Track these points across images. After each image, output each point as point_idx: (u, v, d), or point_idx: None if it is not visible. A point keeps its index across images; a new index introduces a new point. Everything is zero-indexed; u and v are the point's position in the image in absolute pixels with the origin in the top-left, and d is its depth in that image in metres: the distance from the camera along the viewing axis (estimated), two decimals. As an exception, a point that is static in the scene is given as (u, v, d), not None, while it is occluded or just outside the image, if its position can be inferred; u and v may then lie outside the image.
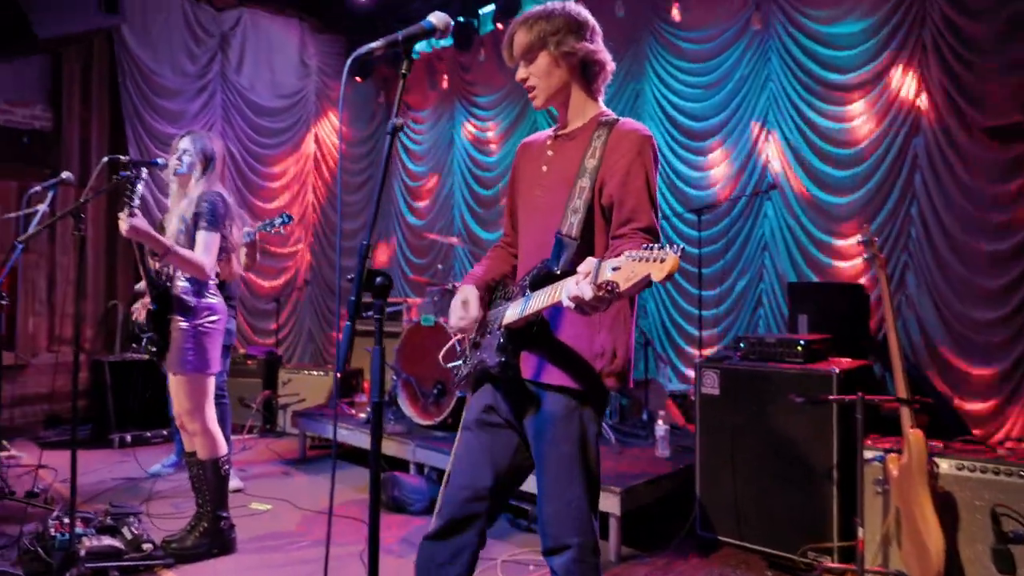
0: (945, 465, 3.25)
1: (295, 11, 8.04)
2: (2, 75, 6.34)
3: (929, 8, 4.87)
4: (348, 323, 1.79)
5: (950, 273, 4.75)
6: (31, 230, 4.02)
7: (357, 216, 8.58)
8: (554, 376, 2.04)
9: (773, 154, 5.61)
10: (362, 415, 5.51)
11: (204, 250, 3.56)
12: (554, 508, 2.04)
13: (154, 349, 3.63)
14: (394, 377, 5.23)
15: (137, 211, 3.43)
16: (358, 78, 8.11)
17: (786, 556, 3.65)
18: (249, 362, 6.61)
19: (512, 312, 2.03)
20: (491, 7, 6.76)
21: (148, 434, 6.03)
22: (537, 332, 2.06)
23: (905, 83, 5.00)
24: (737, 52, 5.79)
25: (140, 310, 3.96)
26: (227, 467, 3.77)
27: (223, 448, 3.75)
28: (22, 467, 5.10)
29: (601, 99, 2.21)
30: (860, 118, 5.19)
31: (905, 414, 3.21)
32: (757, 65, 5.70)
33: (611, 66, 2.19)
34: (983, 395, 4.56)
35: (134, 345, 3.82)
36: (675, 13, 5.95)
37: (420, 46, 6.87)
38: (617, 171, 2.02)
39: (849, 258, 5.18)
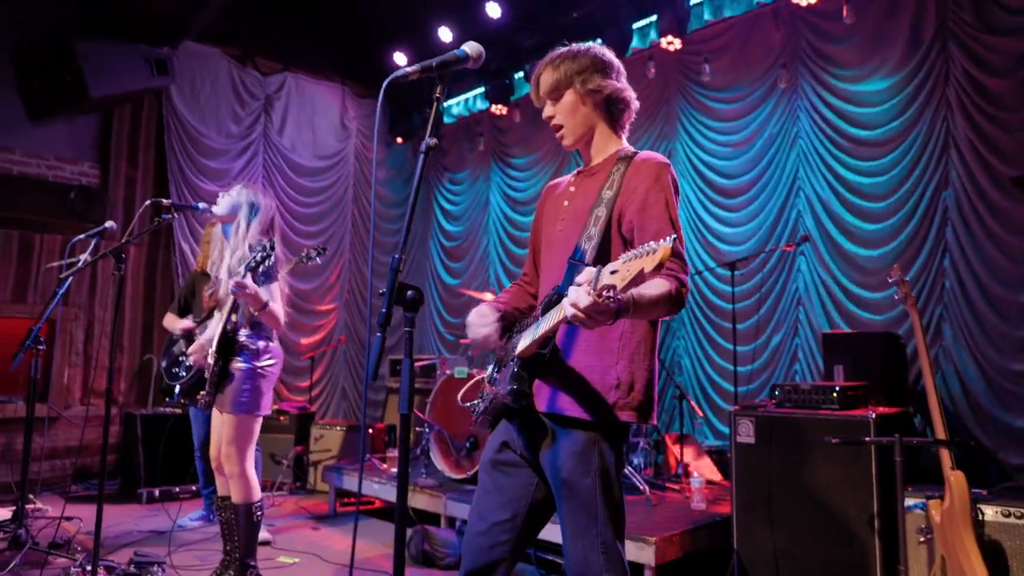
0: (991, 512, 3.15)
1: (338, 76, 8.40)
2: (56, 132, 6.65)
3: (952, 67, 4.97)
4: (379, 334, 1.81)
5: (986, 324, 4.70)
6: (78, 265, 4.12)
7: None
8: (568, 408, 1.99)
9: (805, 209, 5.64)
10: (393, 470, 5.48)
11: (274, 302, 3.67)
12: (580, 546, 1.95)
13: (203, 393, 3.66)
14: (426, 430, 5.22)
15: (250, 274, 3.53)
16: (399, 139, 8.37)
17: (827, 610, 3.53)
18: (281, 418, 6.62)
19: (524, 340, 2.02)
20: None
21: (176, 489, 5.98)
22: (550, 360, 2.03)
23: (932, 138, 5.05)
24: (766, 111, 5.90)
25: (201, 351, 3.98)
26: (259, 514, 3.74)
27: (257, 494, 3.73)
28: (46, 518, 5.11)
29: (625, 136, 2.23)
30: (889, 173, 5.23)
31: (945, 456, 3.14)
32: (786, 123, 5.79)
33: (635, 104, 2.22)
34: (1025, 449, 4.44)
35: (168, 400, 3.84)
36: (705, 74, 6.08)
37: (458, 109, 7.04)
38: (635, 198, 2.01)
39: (884, 311, 5.14)
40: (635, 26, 6.11)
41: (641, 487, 4.58)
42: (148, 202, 3.99)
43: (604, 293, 1.54)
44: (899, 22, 5.21)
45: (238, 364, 3.63)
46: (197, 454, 5.14)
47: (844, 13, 5.11)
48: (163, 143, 7.13)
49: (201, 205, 4.07)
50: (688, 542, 3.87)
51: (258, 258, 3.52)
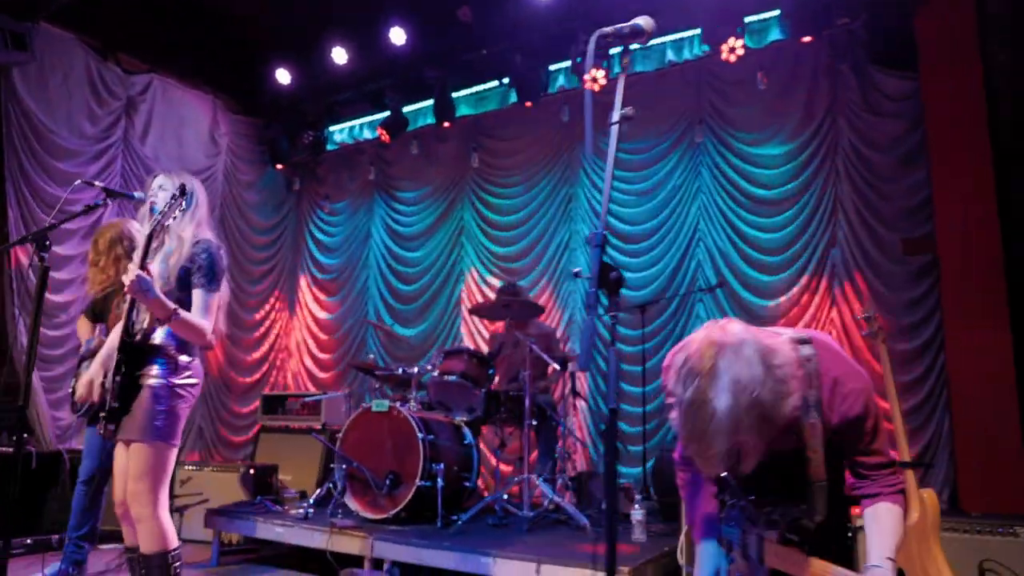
0: (949, 529, 3.46)
1: (210, 86, 7.70)
2: None
3: (840, 140, 5.61)
4: (589, 318, 1.69)
5: (869, 371, 5.21)
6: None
7: (261, 307, 8.08)
8: None
9: (705, 259, 6.02)
10: (294, 511, 5.00)
11: (204, 312, 3.09)
12: None
13: (103, 416, 3.05)
14: (341, 467, 4.82)
15: (150, 266, 2.99)
16: (278, 165, 7.91)
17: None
18: (138, 457, 5.83)
19: (778, 557, 1.95)
20: (427, 102, 6.90)
21: (29, 540, 4.95)
22: None
23: (823, 201, 5.63)
24: (670, 164, 6.27)
25: (88, 386, 3.45)
26: (178, 564, 3.09)
27: (173, 539, 3.09)
28: None
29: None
30: (784, 230, 5.75)
31: (910, 476, 3.43)
32: (688, 177, 6.19)
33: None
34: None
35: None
36: (609, 123, 6.33)
37: (341, 136, 6.78)
38: (851, 420, 1.93)
39: (781, 356, 5.54)
40: (549, 68, 6.28)
41: (580, 520, 4.49)
42: (78, 182, 3.42)
43: None
44: (795, 95, 5.81)
45: (151, 381, 3.01)
46: (81, 488, 4.31)
47: (759, 77, 5.60)
48: (1, 135, 6.11)
49: (137, 194, 3.50)
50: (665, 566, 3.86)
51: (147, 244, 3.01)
